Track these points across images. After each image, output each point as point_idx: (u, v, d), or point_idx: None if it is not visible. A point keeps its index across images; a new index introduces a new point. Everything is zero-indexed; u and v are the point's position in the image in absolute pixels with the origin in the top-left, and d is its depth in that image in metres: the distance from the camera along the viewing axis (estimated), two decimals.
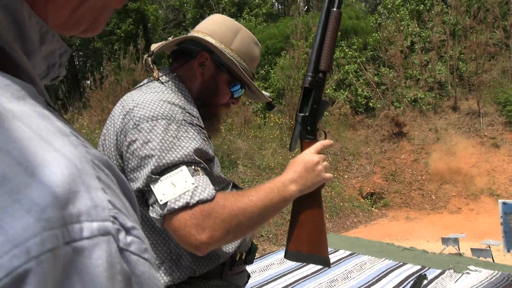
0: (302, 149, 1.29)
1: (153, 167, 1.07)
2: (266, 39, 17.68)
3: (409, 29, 16.57)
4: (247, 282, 1.42)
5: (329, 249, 2.64)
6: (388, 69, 16.00)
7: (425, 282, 2.08)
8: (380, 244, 2.78)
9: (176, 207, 1.04)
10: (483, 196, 11.63)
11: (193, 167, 1.09)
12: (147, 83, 1.29)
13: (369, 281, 2.14)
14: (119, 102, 1.25)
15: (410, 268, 2.29)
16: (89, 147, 0.33)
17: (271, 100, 1.44)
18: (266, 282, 2.23)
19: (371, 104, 15.69)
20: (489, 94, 14.08)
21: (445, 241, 7.44)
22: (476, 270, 2.19)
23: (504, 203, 5.41)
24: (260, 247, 8.18)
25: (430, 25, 16.44)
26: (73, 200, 0.27)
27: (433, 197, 12.22)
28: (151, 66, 1.27)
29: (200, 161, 1.12)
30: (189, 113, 1.20)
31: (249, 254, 1.36)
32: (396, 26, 16.35)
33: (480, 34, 15.33)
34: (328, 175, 1.26)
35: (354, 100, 15.80)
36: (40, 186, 0.26)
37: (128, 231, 0.30)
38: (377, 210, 12.24)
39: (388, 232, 9.98)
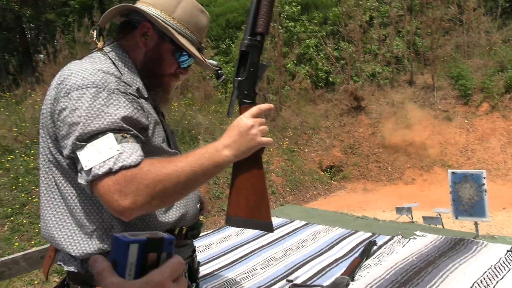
0: (240, 114, 1.24)
1: (78, 134, 1.08)
2: (226, 12, 17.45)
3: (368, 3, 16.73)
4: (191, 256, 1.42)
5: (285, 220, 2.71)
6: (347, 43, 16.17)
7: (374, 248, 2.17)
8: (334, 214, 2.87)
9: (100, 173, 1.04)
10: (436, 167, 12.13)
11: (120, 134, 1.09)
12: (90, 54, 1.28)
13: (322, 249, 2.21)
14: (58, 74, 1.23)
15: (361, 235, 2.38)
16: None
17: (218, 69, 1.41)
18: (222, 253, 2.27)
19: (331, 79, 15.88)
20: (443, 69, 14.51)
21: (399, 210, 7.75)
22: (423, 235, 2.31)
23: (453, 173, 5.68)
24: (222, 221, 8.25)
25: (388, 0, 16.66)
26: None
27: (389, 169, 12.63)
28: (95, 37, 1.26)
29: (129, 128, 1.11)
30: (124, 82, 1.19)
31: (193, 229, 1.35)
32: (355, 0, 16.46)
33: (435, 10, 15.67)
34: (265, 139, 1.21)
35: (314, 74, 15.93)
36: None
37: None
38: (336, 183, 12.55)
39: (346, 203, 10.28)
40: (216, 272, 2.03)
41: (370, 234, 2.38)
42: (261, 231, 2.04)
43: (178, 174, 1.08)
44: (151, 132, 1.22)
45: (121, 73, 1.22)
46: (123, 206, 1.03)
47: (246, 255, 2.20)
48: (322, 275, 1.91)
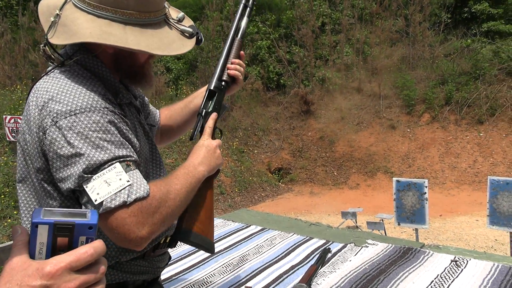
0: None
1: (84, 166, 1.02)
2: (180, 7, 17.23)
3: (321, 9, 17.10)
4: (167, 263, 1.45)
5: (241, 225, 2.73)
6: (299, 47, 16.45)
7: (329, 255, 2.23)
8: (288, 220, 2.92)
9: (113, 206, 1.00)
10: (379, 173, 12.61)
11: (125, 162, 1.05)
12: (56, 66, 1.17)
13: (278, 255, 2.25)
14: (33, 91, 1.14)
15: (316, 242, 2.44)
16: None
17: (196, 33, 1.27)
18: (180, 257, 2.25)
19: (282, 81, 16.09)
20: (389, 78, 15.11)
21: (344, 214, 7.98)
22: (374, 244, 2.40)
23: (397, 181, 5.94)
24: None
25: (341, 7, 17.12)
26: None
27: (335, 173, 12.99)
28: (51, 54, 1.16)
29: (130, 155, 1.08)
30: (109, 99, 1.13)
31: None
32: (308, 5, 16.78)
33: (384, 21, 16.29)
34: (222, 162, 1.35)
35: (266, 76, 16.08)
36: None
37: None
38: (283, 185, 12.74)
39: (293, 206, 10.46)
40: (174, 277, 2.01)
41: (324, 241, 2.44)
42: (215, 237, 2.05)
43: (180, 198, 1.12)
44: (140, 147, 1.20)
45: (104, 86, 1.16)
46: (141, 236, 1.02)
47: (203, 260, 2.19)
48: (280, 282, 1.95)
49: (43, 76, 1.16)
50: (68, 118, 1.04)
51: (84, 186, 1.02)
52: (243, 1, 1.47)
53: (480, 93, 13.41)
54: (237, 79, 1.46)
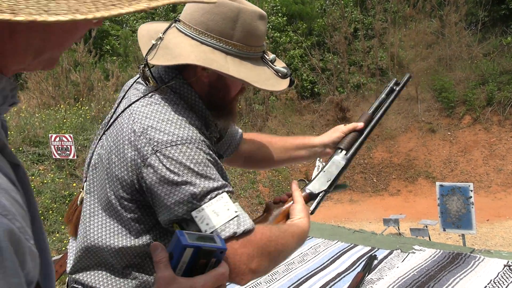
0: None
1: (192, 193, 1.00)
2: None
3: (353, 15, 16.99)
4: None
5: None
6: (332, 55, 16.37)
7: (375, 262, 2.20)
8: (331, 227, 2.90)
9: (223, 237, 0.98)
10: (420, 179, 12.31)
11: (229, 193, 1.04)
12: (154, 90, 1.15)
13: (323, 263, 2.23)
14: (128, 113, 1.12)
15: (361, 250, 2.41)
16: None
17: (289, 74, 1.27)
18: None
19: (316, 89, 16.03)
20: (426, 81, 14.79)
21: (386, 222, 7.83)
22: (421, 250, 2.35)
23: (441, 186, 5.78)
24: None
25: (373, 12, 16.95)
26: None
27: (375, 180, 12.77)
28: (148, 77, 1.16)
29: (229, 185, 1.07)
30: (204, 133, 1.13)
31: None
32: (340, 12, 16.71)
33: (418, 23, 16.01)
34: None
35: (300, 85, 16.07)
36: None
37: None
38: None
39: (333, 214, 10.35)
40: None
41: (369, 248, 2.41)
42: None
43: (289, 248, 1.12)
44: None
45: (197, 117, 1.16)
46: (250, 269, 1.01)
47: None
48: None
49: (140, 98, 1.14)
50: (169, 148, 1.03)
51: (194, 215, 1.00)
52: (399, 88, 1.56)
53: None
54: None
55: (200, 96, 1.19)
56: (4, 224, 0.47)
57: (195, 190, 1.00)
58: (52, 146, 9.13)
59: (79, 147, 10.10)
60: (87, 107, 12.06)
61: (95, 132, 10.88)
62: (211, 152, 1.09)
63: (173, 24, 1.18)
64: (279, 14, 17.27)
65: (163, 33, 1.15)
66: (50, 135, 9.36)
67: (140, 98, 1.14)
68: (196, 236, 0.68)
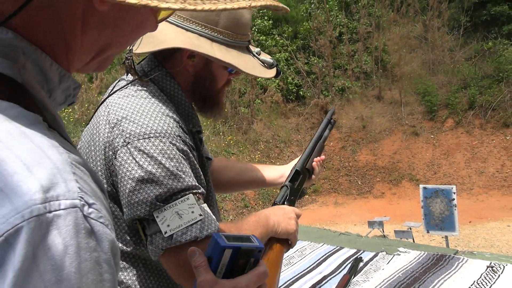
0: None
1: (157, 193, 0.96)
2: None
3: (338, 19, 17.12)
4: None
5: None
6: (317, 58, 16.47)
7: (361, 264, 2.22)
8: (317, 230, 2.91)
9: (184, 241, 0.94)
10: (404, 181, 12.43)
11: (197, 195, 1.00)
12: (132, 81, 1.12)
13: (310, 266, 2.24)
14: (105, 105, 1.09)
15: (346, 252, 2.42)
16: (71, 152, 0.50)
17: (275, 65, 1.27)
18: None
19: (301, 93, 16.10)
20: (410, 85, 14.97)
21: (371, 224, 7.89)
22: (406, 252, 2.37)
23: (424, 188, 5.85)
24: None
25: (357, 16, 17.11)
26: (54, 187, 0.44)
27: (359, 183, 12.86)
28: (132, 68, 1.11)
29: (199, 186, 1.02)
30: (182, 128, 1.09)
31: None
32: (325, 16, 16.82)
33: (402, 28, 16.20)
34: (296, 238, 1.31)
35: (285, 88, 16.12)
36: (34, 179, 0.44)
37: (90, 205, 0.46)
38: (307, 196, 12.67)
39: (318, 217, 10.38)
40: None
41: (355, 250, 2.42)
42: None
43: None
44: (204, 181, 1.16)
45: (177, 110, 1.12)
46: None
47: None
48: None
49: (116, 90, 1.12)
50: (141, 140, 0.99)
51: (155, 215, 0.95)
52: (328, 118, 1.65)
53: (505, 95, 13.15)
54: (313, 172, 1.53)
55: (182, 88, 1.16)
56: (108, 235, 0.48)
57: (160, 190, 0.96)
58: None
59: None
60: (70, 110, 11.91)
61: (78, 134, 10.76)
62: (186, 149, 1.05)
63: None
64: (265, 18, 17.32)
65: None
66: None
67: (117, 90, 1.11)
68: (232, 237, 0.68)
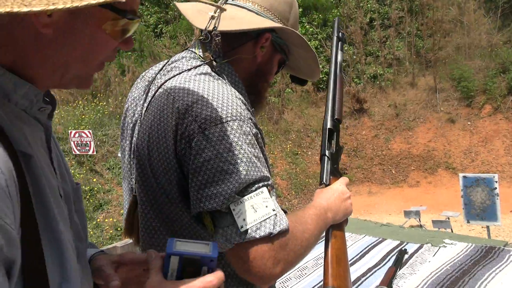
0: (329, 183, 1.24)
1: (237, 185, 0.90)
2: None
3: (368, 5, 16.77)
4: None
5: None
6: (348, 45, 16.20)
7: (406, 256, 2.17)
8: (357, 221, 2.87)
9: (258, 236, 0.90)
10: (440, 170, 12.15)
11: (268, 187, 0.94)
12: (195, 66, 1.06)
13: (353, 258, 2.21)
14: (164, 94, 1.02)
15: (389, 244, 2.38)
16: None
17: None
18: None
19: None
20: (444, 71, 14.55)
21: (407, 214, 7.75)
22: (452, 243, 2.30)
23: (464, 177, 5.68)
24: None
25: (388, 1, 16.71)
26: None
27: (393, 172, 12.65)
28: (217, 49, 1.06)
29: (269, 177, 0.97)
30: (250, 111, 1.03)
31: None
32: (355, 2, 16.50)
33: (436, 11, 15.72)
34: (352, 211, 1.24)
35: None
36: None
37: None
38: None
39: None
40: None
41: (398, 242, 2.37)
42: None
43: (312, 239, 1.02)
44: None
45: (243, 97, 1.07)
46: (274, 273, 0.92)
47: None
48: (358, 285, 1.91)
49: (174, 76, 1.05)
50: (219, 125, 0.93)
51: (232, 208, 0.91)
52: (336, 34, 1.43)
53: None
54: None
55: (240, 79, 1.13)
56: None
57: (239, 181, 0.91)
58: (72, 142, 9.22)
59: (98, 143, 10.19)
60: (104, 103, 12.15)
61: (113, 127, 10.97)
62: (258, 134, 1.00)
63: (223, 2, 1.15)
64: None
65: (224, 3, 1.12)
66: (69, 131, 9.46)
67: (175, 76, 1.05)
68: (189, 243, 0.69)
